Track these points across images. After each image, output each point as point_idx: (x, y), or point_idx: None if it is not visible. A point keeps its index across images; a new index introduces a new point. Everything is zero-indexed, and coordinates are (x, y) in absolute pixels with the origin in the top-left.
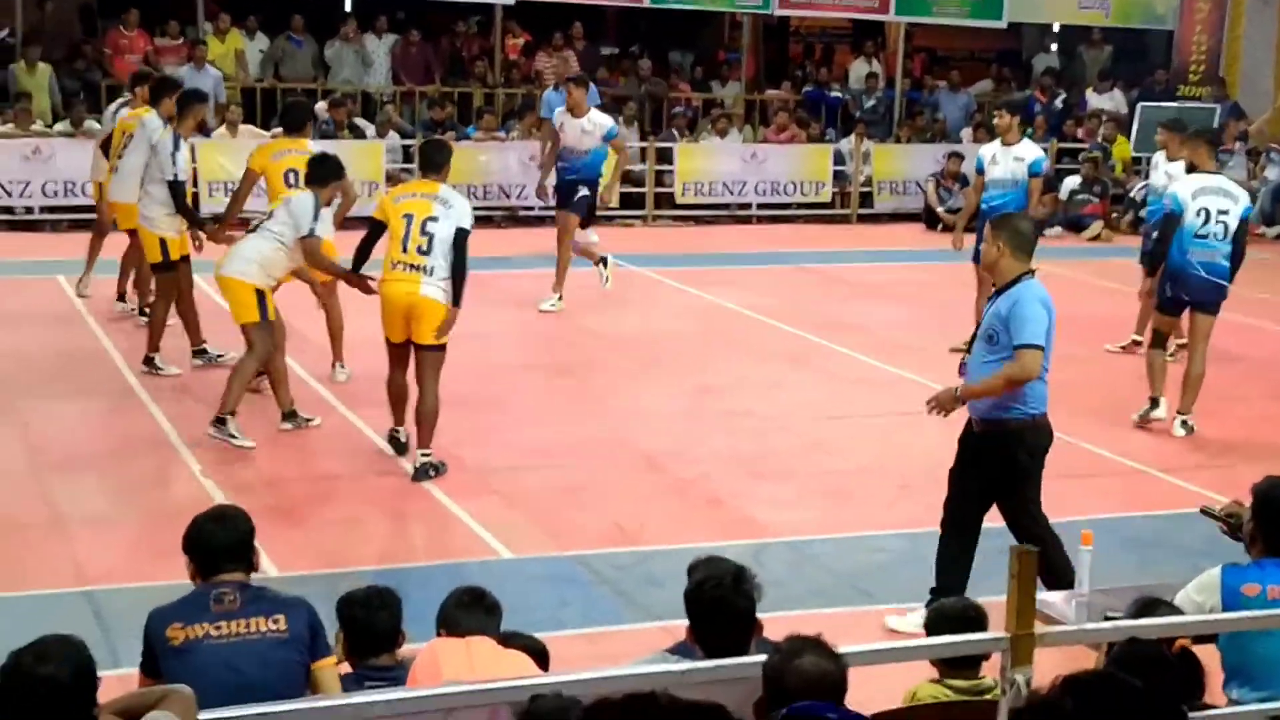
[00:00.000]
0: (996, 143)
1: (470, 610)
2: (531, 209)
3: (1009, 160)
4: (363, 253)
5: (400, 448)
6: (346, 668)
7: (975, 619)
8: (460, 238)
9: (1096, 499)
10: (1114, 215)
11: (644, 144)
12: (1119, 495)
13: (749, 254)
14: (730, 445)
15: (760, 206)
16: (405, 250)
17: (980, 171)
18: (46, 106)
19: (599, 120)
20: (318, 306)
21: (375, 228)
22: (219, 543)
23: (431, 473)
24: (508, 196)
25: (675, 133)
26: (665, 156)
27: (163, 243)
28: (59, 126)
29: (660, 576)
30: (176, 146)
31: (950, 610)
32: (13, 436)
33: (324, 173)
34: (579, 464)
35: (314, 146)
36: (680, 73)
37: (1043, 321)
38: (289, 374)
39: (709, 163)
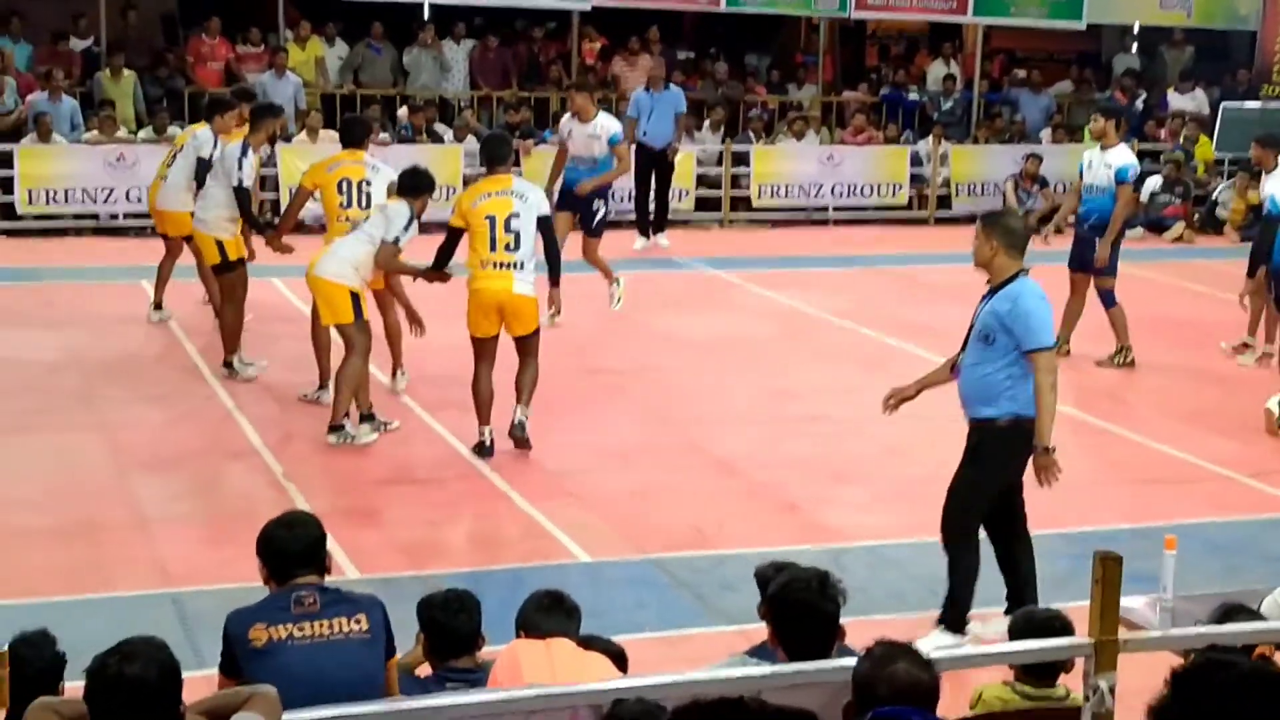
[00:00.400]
0: (1096, 147)
1: (550, 613)
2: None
3: (1101, 166)
4: (443, 258)
5: (486, 451)
6: (427, 669)
7: (1061, 629)
8: (544, 225)
9: (1182, 504)
10: (1196, 217)
11: (720, 147)
12: (1205, 500)
13: (825, 256)
14: (806, 449)
15: (837, 209)
16: (494, 249)
17: (1080, 175)
18: (131, 114)
19: (606, 124)
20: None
21: (454, 234)
22: (291, 548)
23: (524, 431)
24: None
25: (751, 135)
26: (742, 159)
27: (220, 245)
28: (143, 133)
29: (737, 580)
30: (244, 154)
31: (1038, 618)
32: (98, 439)
33: (417, 183)
34: (655, 467)
35: (370, 159)
36: (756, 76)
37: (1050, 320)
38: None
39: (785, 165)
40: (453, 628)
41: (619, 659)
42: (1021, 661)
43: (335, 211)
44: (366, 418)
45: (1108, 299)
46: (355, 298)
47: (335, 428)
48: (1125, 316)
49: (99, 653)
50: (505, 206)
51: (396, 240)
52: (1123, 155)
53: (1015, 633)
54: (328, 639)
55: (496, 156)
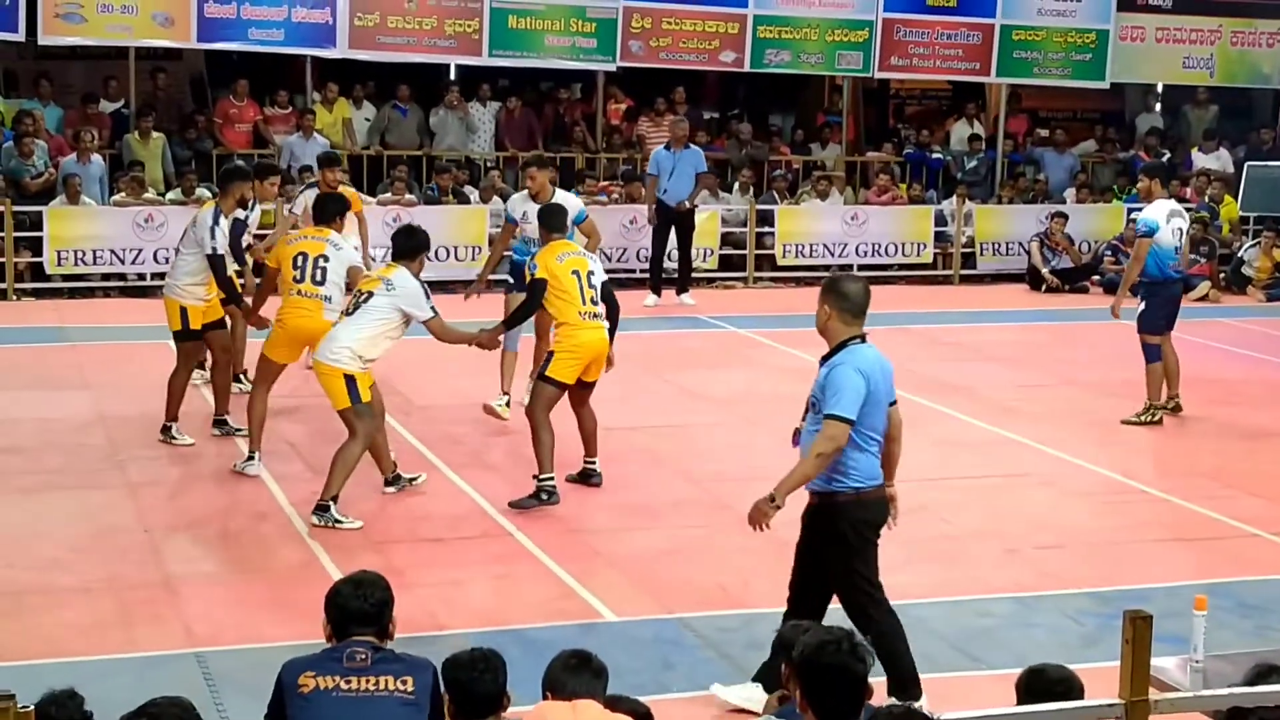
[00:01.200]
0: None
1: (577, 673)
2: (632, 272)
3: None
4: (524, 315)
5: (554, 496)
6: None
7: (1067, 690)
8: (605, 284)
9: (1211, 562)
10: (1222, 276)
11: (745, 206)
12: (1234, 559)
13: None
14: None
15: (861, 268)
16: (585, 302)
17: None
18: (159, 175)
19: (570, 203)
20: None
21: (539, 288)
22: (354, 607)
23: (596, 479)
24: (608, 259)
25: (775, 195)
26: (766, 218)
27: (183, 311)
28: (171, 195)
29: (765, 639)
30: (216, 221)
31: (1050, 677)
32: (124, 498)
33: (415, 244)
34: (681, 525)
35: (335, 238)
36: (780, 135)
37: (856, 391)
38: (388, 438)
39: (810, 224)
40: (476, 688)
41: (645, 719)
42: None
43: (288, 285)
44: (391, 481)
45: (1148, 353)
46: (350, 381)
47: (320, 508)
48: (1161, 375)
49: (125, 713)
50: (584, 264)
51: (435, 311)
52: (1148, 210)
53: (1025, 691)
54: (371, 695)
55: (558, 224)
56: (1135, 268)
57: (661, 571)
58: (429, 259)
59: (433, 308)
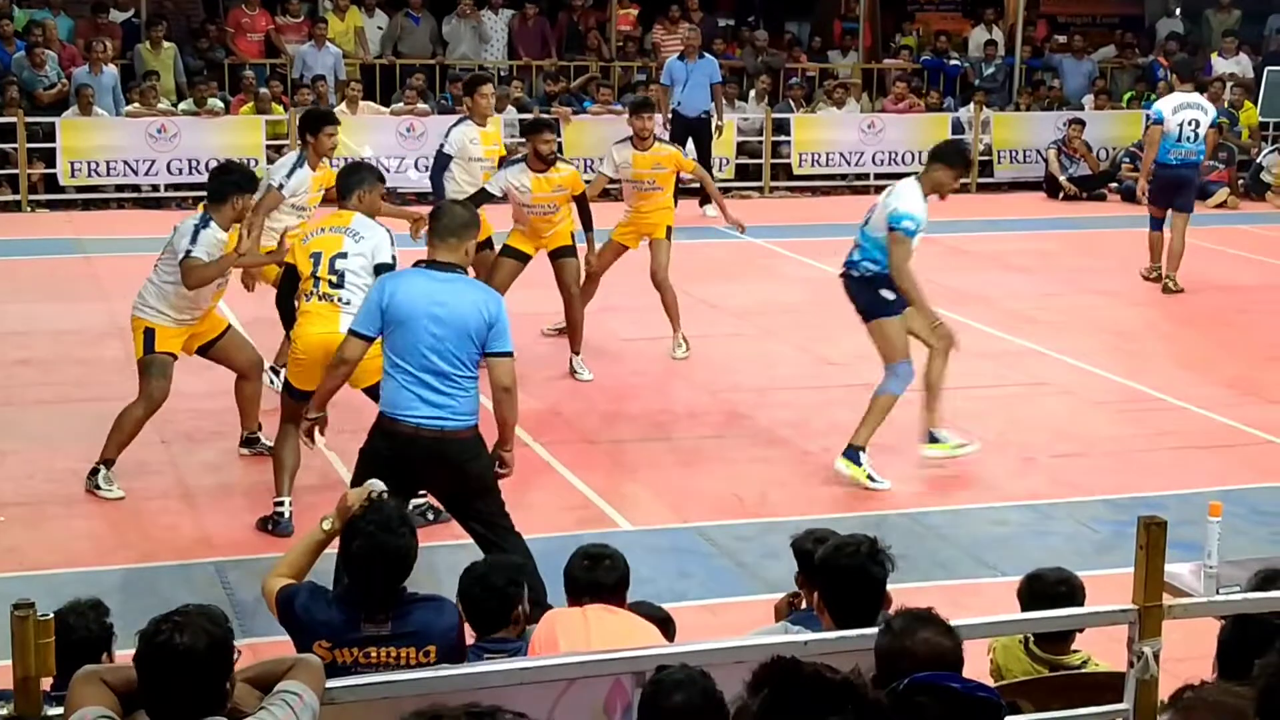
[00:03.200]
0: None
1: (590, 571)
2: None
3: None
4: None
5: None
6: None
7: (1068, 592)
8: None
9: (1226, 470)
10: (1240, 182)
11: (761, 115)
12: (1248, 466)
13: None
14: (851, 418)
15: (878, 177)
16: (314, 281)
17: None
18: (171, 86)
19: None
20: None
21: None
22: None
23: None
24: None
25: (792, 103)
26: (782, 127)
27: (149, 332)
28: (183, 105)
29: (780, 548)
30: (205, 225)
31: (1048, 579)
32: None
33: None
34: (698, 436)
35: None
36: (797, 43)
37: (371, 305)
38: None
39: (826, 133)
40: (488, 600)
41: (665, 624)
42: (1060, 629)
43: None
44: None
45: (1150, 223)
46: None
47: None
48: (1156, 243)
49: (155, 616)
50: (334, 245)
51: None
52: (1159, 101)
53: (1024, 597)
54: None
55: (340, 189)
56: (1149, 153)
57: (678, 481)
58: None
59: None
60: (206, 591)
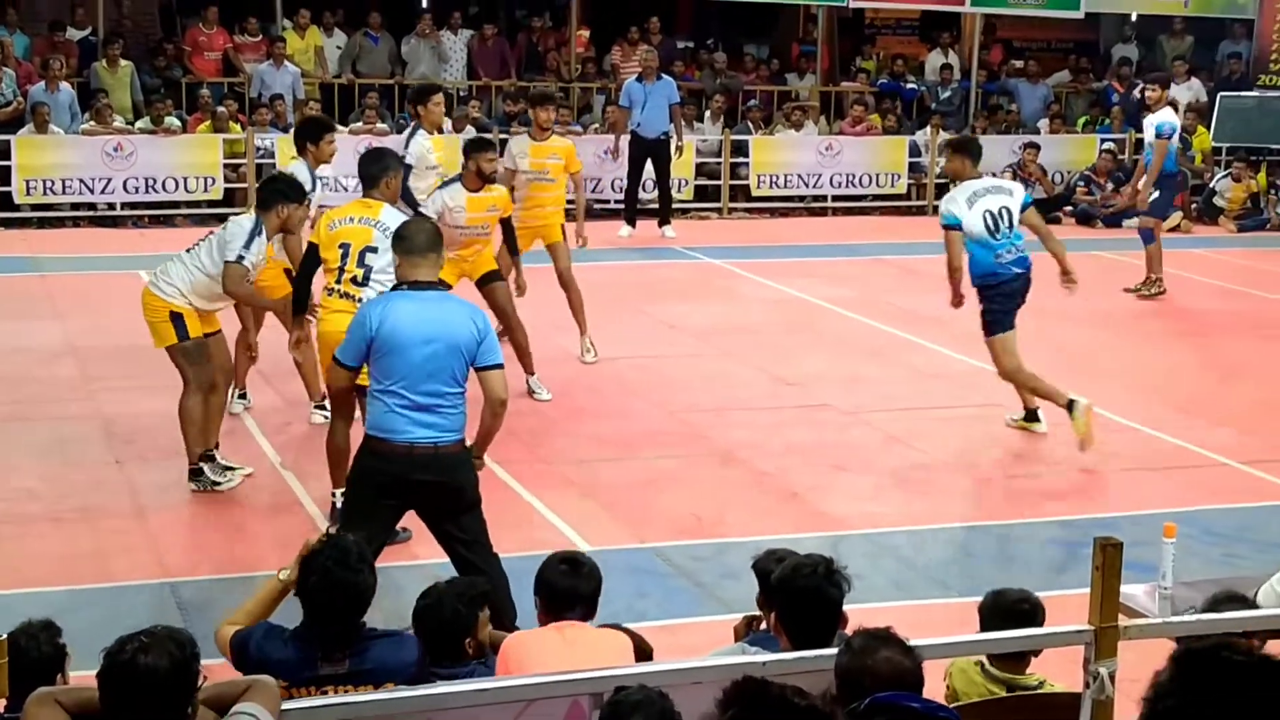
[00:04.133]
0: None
1: (567, 577)
2: (607, 202)
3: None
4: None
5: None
6: None
7: (1030, 611)
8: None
9: (1180, 491)
10: (1194, 207)
11: (719, 137)
12: (1202, 488)
13: (825, 246)
14: (807, 438)
15: (836, 199)
16: (340, 279)
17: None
18: (128, 104)
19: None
20: None
21: (309, 253)
22: (336, 586)
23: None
24: (592, 190)
25: (750, 125)
26: (741, 149)
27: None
28: (140, 124)
29: (738, 568)
30: (259, 232)
31: (1009, 598)
32: (96, 428)
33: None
34: (656, 456)
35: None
36: (755, 65)
37: (353, 336)
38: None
39: (784, 155)
40: (436, 632)
41: (643, 654)
42: (1017, 649)
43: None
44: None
45: (1146, 236)
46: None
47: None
48: (1161, 253)
49: (122, 635)
50: (365, 237)
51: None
52: (1159, 115)
53: (985, 613)
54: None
55: (365, 178)
56: (1156, 164)
57: (636, 501)
58: None
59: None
60: (161, 612)
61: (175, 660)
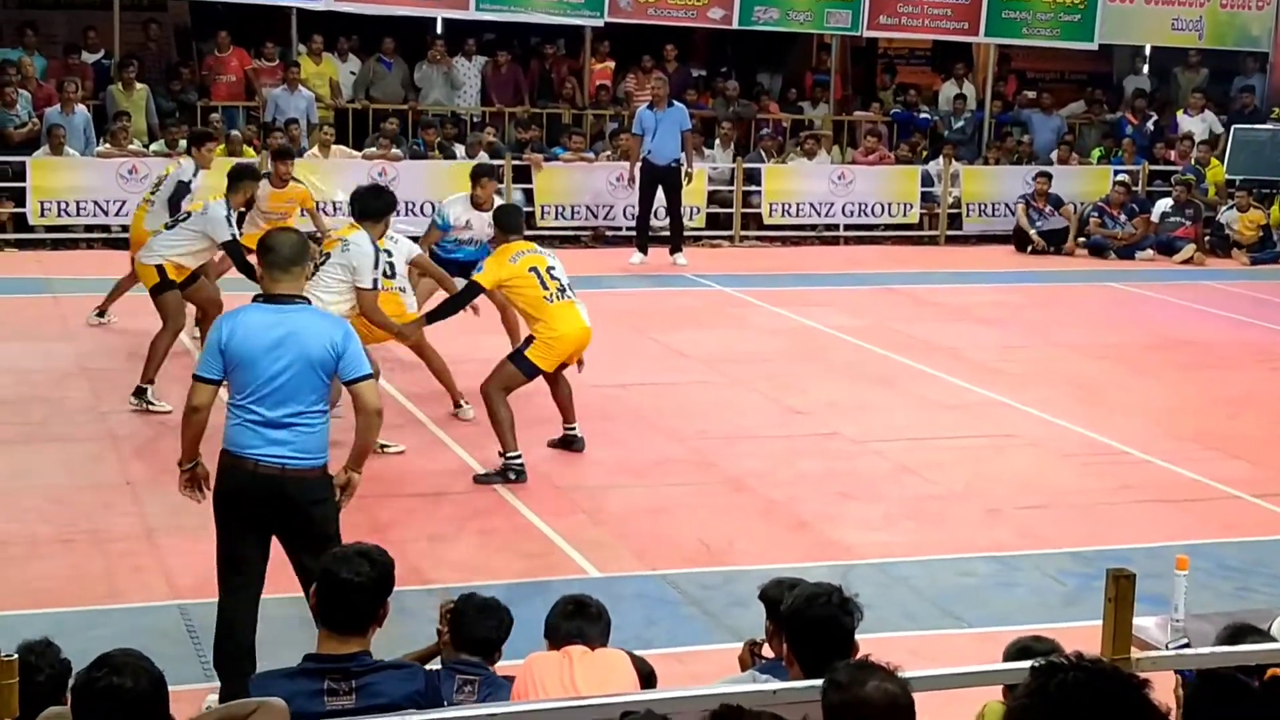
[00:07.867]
0: None
1: (571, 619)
2: (619, 229)
3: None
4: (448, 312)
5: (522, 475)
6: (436, 664)
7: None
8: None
9: (1192, 523)
10: (1206, 239)
11: (732, 164)
12: (1214, 520)
13: (837, 275)
14: (817, 466)
15: (848, 228)
16: (549, 290)
17: None
18: (143, 127)
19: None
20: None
21: (471, 291)
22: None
23: (579, 444)
24: (595, 216)
25: (763, 154)
26: (753, 177)
27: (160, 268)
28: (155, 146)
29: (747, 597)
30: (229, 211)
31: (1038, 651)
32: (107, 450)
33: (379, 206)
34: (666, 484)
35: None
36: (768, 94)
37: (211, 348)
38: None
39: (797, 184)
40: (478, 629)
41: (648, 679)
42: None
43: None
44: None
45: None
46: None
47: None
48: None
49: (80, 669)
50: (542, 260)
51: (375, 286)
52: None
53: (1011, 659)
54: None
55: (512, 226)
56: None
57: (645, 529)
58: (413, 214)
59: (374, 281)
60: (171, 634)
61: (152, 678)
